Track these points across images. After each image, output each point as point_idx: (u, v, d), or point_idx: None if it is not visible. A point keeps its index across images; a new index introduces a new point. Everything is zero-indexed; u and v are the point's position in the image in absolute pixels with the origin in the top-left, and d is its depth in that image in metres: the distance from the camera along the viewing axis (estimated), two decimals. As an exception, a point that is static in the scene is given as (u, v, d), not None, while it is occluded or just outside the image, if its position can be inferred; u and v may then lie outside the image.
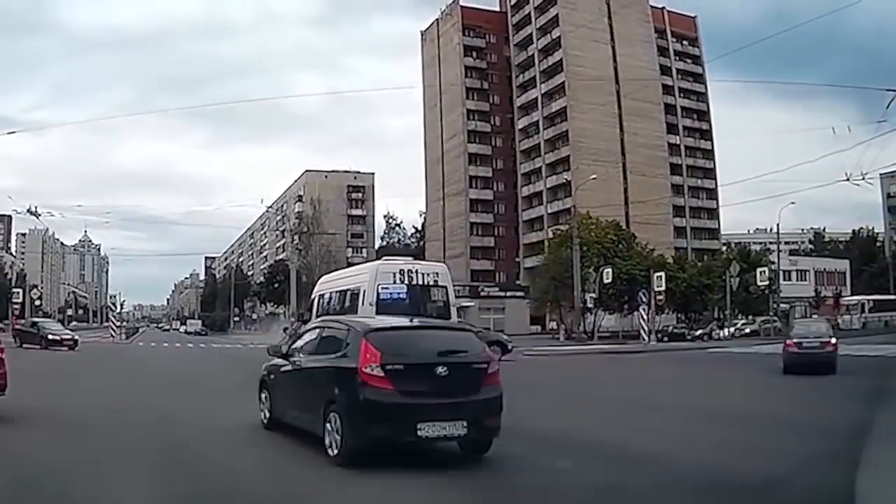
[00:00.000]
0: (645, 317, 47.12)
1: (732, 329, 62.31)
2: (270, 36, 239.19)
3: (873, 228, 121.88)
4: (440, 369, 10.25)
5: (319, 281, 27.56)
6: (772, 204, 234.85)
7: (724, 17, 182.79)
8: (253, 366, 16.54)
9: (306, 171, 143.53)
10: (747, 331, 63.08)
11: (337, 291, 23.48)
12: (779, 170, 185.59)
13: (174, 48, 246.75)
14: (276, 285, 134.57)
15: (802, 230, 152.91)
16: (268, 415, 13.30)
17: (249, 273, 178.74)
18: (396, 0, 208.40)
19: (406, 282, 20.69)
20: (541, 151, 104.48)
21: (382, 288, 20.46)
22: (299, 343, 13.07)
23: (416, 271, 21.27)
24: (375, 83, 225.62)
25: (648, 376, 28.64)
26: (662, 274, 49.90)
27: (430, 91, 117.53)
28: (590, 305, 64.19)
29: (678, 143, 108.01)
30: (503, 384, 10.86)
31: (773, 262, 76.80)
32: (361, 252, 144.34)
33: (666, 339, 63.50)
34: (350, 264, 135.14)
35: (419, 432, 9.97)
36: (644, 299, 46.59)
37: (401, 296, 20.34)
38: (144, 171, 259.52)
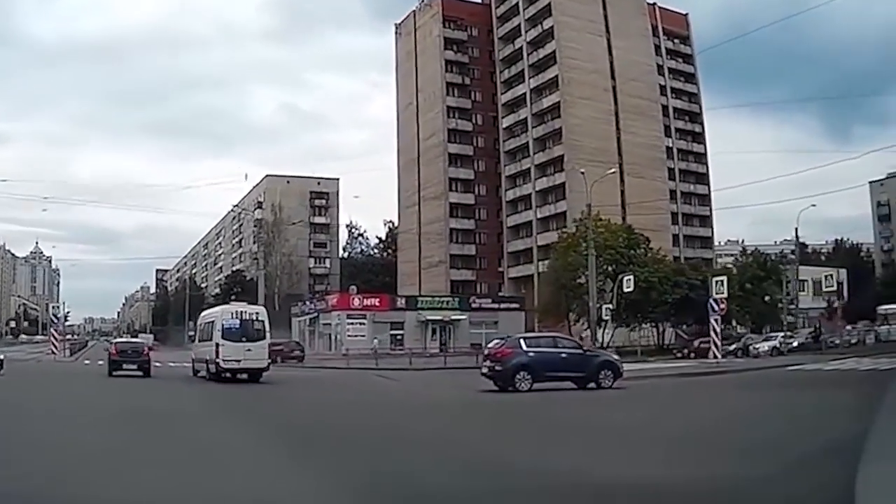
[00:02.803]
0: (717, 329, 38.51)
1: (777, 343, 54.07)
2: (228, 49, 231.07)
3: (849, 239, 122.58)
4: (129, 351, 38.10)
5: (200, 316, 39.88)
6: (730, 215, 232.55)
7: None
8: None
9: (267, 175, 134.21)
10: (795, 344, 54.93)
11: (206, 322, 35.55)
12: (744, 183, 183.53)
13: (133, 61, 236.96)
14: (234, 297, 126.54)
15: (775, 242, 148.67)
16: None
17: (203, 285, 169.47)
18: (354, 15, 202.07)
19: (239, 318, 32.37)
20: (529, 151, 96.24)
21: (225, 321, 32.09)
22: None
23: (246, 311, 33.14)
24: (333, 97, 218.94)
25: (828, 407, 19.57)
26: (725, 278, 41.38)
27: (404, 89, 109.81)
28: (606, 317, 56.19)
29: (671, 145, 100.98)
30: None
31: (786, 270, 70.48)
32: (324, 262, 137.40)
33: (692, 355, 55.89)
34: (311, 275, 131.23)
35: (123, 368, 35.92)
36: (716, 308, 38.06)
37: (236, 325, 31.88)
38: (99, 184, 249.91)
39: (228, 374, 31.29)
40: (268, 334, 33.24)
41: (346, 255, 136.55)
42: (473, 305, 77.38)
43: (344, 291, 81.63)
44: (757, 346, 54.42)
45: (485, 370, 27.34)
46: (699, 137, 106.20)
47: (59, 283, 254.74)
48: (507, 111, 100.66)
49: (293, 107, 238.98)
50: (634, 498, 8.83)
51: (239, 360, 31.40)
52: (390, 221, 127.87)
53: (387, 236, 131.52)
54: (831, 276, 48.72)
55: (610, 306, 55.30)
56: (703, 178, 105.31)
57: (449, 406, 23.11)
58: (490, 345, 29.22)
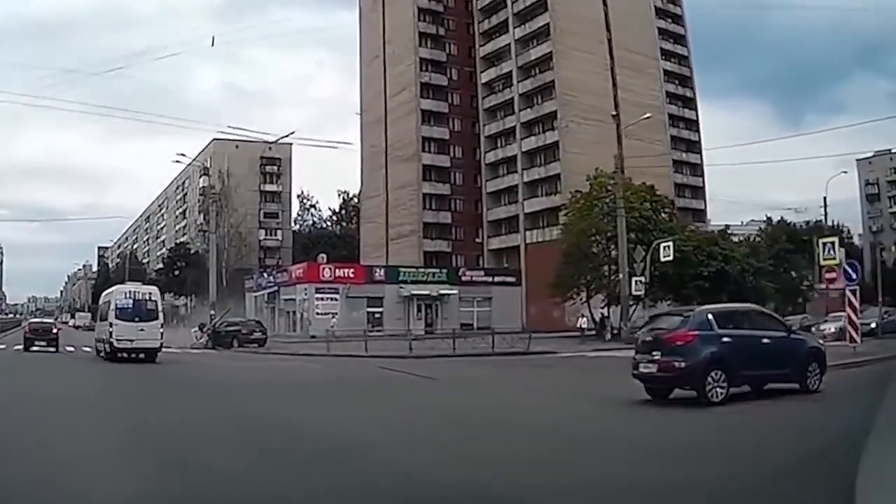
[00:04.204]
0: (856, 305, 28.09)
1: (843, 324, 44.94)
2: (172, 27, 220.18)
3: (820, 221, 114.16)
4: (41, 330, 43.98)
5: (102, 295, 43.40)
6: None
7: None
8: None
9: (214, 139, 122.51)
10: (872, 325, 45.76)
11: (104, 302, 37.30)
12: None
13: (77, 39, 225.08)
14: (178, 272, 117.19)
15: (742, 223, 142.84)
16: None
17: (145, 260, 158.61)
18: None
19: (132, 298, 33.72)
20: (514, 108, 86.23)
21: (119, 301, 33.33)
22: None
23: (139, 292, 34.77)
24: (276, 75, 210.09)
25: None
26: (836, 239, 31.46)
27: (370, 41, 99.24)
28: (638, 292, 47.14)
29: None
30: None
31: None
32: (275, 234, 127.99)
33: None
34: (262, 248, 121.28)
35: (35, 345, 41.07)
36: (854, 277, 27.91)
37: (129, 305, 33.11)
38: (43, 163, 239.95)
39: (124, 354, 31.88)
40: (161, 314, 34.34)
41: (298, 227, 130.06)
42: (464, 279, 67.60)
43: (311, 261, 70.26)
44: (822, 327, 45.58)
45: (648, 368, 16.14)
46: (690, 103, 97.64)
47: (1, 261, 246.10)
48: (486, 65, 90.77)
49: (238, 84, 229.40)
50: None
51: (132, 340, 32.11)
52: (345, 192, 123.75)
53: (341, 207, 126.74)
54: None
55: (641, 279, 46.43)
56: (694, 146, 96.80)
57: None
58: (650, 326, 17.98)
